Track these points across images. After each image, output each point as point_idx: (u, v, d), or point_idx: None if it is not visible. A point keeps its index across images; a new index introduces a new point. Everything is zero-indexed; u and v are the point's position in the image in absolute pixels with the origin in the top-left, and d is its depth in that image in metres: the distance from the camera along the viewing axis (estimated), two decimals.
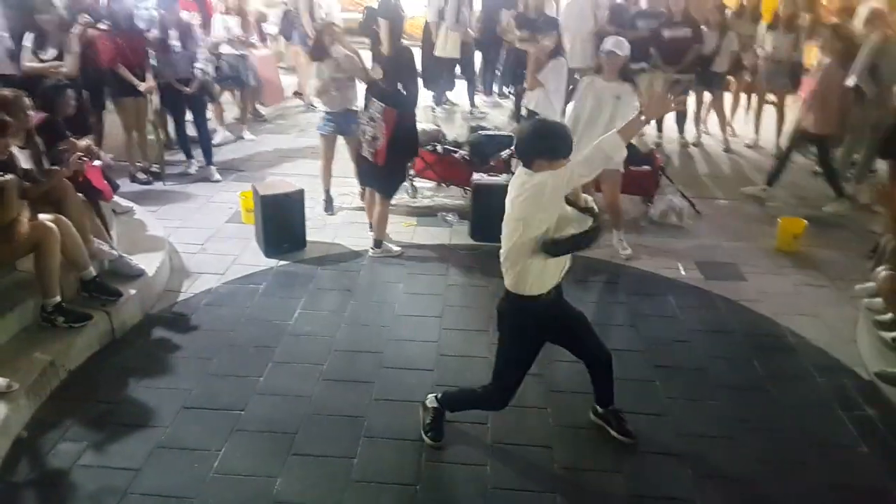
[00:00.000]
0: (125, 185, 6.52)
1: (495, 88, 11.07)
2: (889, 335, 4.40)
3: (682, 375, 4.33)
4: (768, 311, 5.08)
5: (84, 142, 5.15)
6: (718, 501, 3.36)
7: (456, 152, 6.80)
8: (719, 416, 3.97)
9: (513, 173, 6.55)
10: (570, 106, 6.19)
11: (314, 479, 3.39)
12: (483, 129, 7.31)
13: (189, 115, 7.34)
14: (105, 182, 5.06)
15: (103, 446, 3.56)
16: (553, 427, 3.80)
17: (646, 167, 6.62)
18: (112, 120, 7.27)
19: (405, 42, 6.05)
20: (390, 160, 5.43)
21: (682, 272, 5.67)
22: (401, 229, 6.20)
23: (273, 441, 3.64)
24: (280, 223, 5.72)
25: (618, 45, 5.55)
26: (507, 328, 3.40)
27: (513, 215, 3.17)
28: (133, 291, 4.67)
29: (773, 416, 3.98)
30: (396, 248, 5.81)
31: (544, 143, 3.09)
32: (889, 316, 4.52)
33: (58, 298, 4.17)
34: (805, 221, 6.15)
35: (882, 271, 4.45)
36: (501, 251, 3.28)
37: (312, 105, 9.69)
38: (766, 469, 3.57)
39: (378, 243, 5.74)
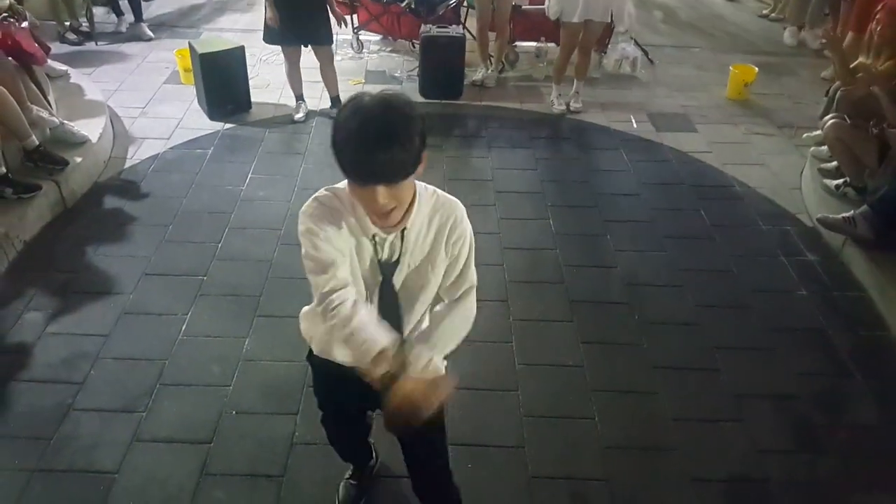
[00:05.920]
0: (55, 47, 6.16)
1: None
2: (832, 182, 4.55)
3: (631, 228, 4.46)
4: (717, 161, 5.19)
5: (4, 1, 4.79)
6: (664, 344, 3.55)
7: (402, 2, 6.54)
8: (666, 265, 4.13)
9: (463, 24, 6.44)
10: None
11: (282, 338, 3.45)
12: None
13: None
14: (35, 45, 4.76)
15: (69, 314, 3.57)
16: (509, 283, 3.91)
17: None
18: None
19: None
20: None
21: (634, 125, 5.70)
22: (349, 87, 6.03)
23: (238, 304, 3.69)
24: (222, 83, 5.49)
25: None
26: None
27: None
28: (79, 159, 4.53)
29: (717, 264, 4.16)
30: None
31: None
32: (833, 164, 4.66)
33: (3, 169, 4.03)
34: (756, 69, 6.17)
35: (829, 119, 4.53)
36: None
37: None
38: (710, 314, 3.76)
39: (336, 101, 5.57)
